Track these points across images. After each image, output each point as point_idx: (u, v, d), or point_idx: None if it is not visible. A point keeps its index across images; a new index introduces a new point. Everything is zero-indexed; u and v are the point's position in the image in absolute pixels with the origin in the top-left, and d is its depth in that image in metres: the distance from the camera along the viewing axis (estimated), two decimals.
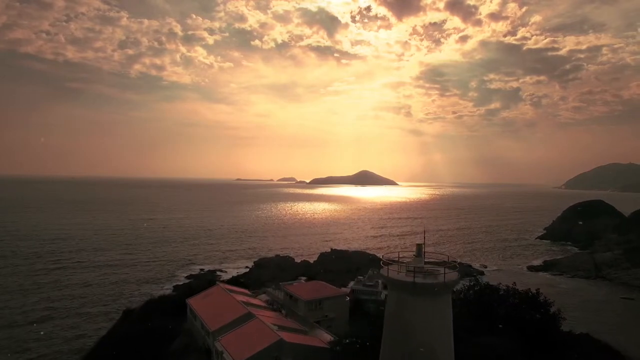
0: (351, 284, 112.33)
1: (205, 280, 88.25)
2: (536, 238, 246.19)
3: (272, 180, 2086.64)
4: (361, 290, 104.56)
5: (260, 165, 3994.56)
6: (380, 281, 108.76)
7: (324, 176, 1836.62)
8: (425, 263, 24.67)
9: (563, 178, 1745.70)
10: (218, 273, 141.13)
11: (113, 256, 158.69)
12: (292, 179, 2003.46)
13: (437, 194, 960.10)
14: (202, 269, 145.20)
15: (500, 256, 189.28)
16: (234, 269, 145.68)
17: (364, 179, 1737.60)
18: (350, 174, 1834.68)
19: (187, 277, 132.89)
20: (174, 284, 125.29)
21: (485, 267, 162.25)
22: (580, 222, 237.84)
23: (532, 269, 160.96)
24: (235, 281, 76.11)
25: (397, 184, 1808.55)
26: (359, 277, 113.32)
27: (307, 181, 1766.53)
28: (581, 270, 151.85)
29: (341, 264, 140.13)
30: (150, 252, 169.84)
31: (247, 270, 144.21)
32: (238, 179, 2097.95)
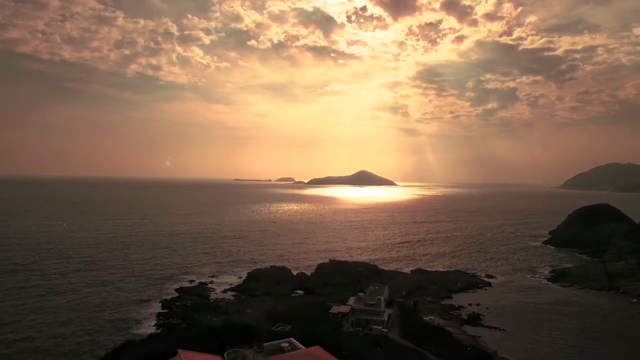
0: (351, 300, 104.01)
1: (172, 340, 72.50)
2: (541, 243, 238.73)
3: (270, 180, 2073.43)
4: (362, 310, 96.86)
5: (258, 165, 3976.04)
6: (382, 299, 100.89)
7: (322, 176, 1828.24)
8: None
9: (561, 178, 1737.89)
10: (209, 285, 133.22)
11: (104, 266, 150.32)
12: (290, 179, 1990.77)
13: (436, 195, 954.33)
14: (192, 281, 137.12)
15: (506, 264, 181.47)
16: (226, 282, 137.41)
17: (363, 179, 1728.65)
18: (349, 174, 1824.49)
19: (177, 290, 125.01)
20: (163, 297, 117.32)
21: (492, 277, 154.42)
22: (587, 228, 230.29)
23: (542, 279, 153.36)
24: (209, 333, 65.87)
25: (395, 184, 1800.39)
26: (360, 293, 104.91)
27: (306, 181, 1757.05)
28: (593, 280, 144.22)
29: (341, 276, 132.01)
30: (141, 262, 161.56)
31: (241, 281, 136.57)
32: (236, 179, 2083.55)
